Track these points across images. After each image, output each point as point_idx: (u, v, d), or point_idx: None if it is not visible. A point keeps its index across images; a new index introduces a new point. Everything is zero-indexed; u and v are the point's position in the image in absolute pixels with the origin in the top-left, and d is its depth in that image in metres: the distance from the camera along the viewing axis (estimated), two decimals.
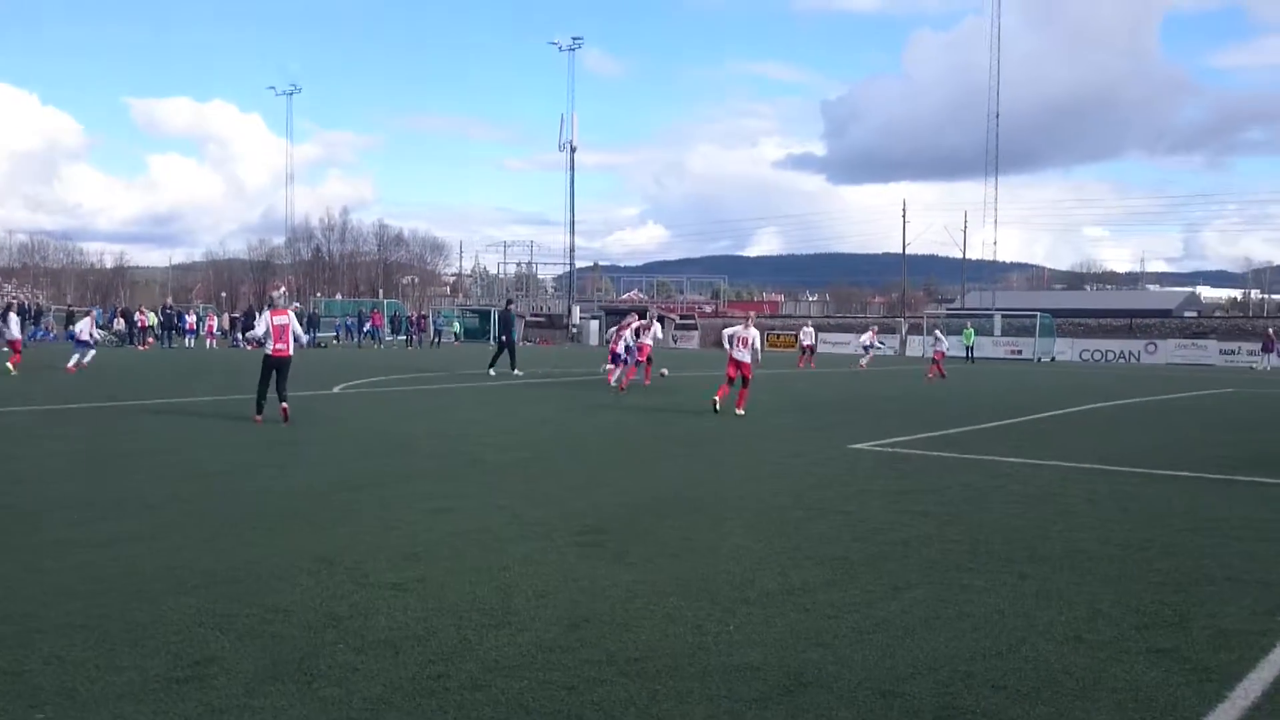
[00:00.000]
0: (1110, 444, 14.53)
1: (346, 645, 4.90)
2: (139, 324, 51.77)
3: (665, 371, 28.62)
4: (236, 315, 61.65)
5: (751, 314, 26.27)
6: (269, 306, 17.45)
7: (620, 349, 24.84)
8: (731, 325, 19.61)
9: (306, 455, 11.72)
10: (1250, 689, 4.53)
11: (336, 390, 21.77)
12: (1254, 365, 50.79)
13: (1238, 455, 13.23)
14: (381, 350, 50.61)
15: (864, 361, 40.21)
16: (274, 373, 15.48)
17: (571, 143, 78.18)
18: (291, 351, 15.75)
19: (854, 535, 7.69)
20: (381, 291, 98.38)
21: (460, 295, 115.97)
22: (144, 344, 49.71)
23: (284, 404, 15.32)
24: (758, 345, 18.65)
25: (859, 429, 15.68)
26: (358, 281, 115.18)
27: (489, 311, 77.27)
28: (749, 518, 8.32)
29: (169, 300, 64.56)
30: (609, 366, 25.21)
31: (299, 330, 16.58)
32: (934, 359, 34.46)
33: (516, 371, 29.03)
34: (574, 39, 79.46)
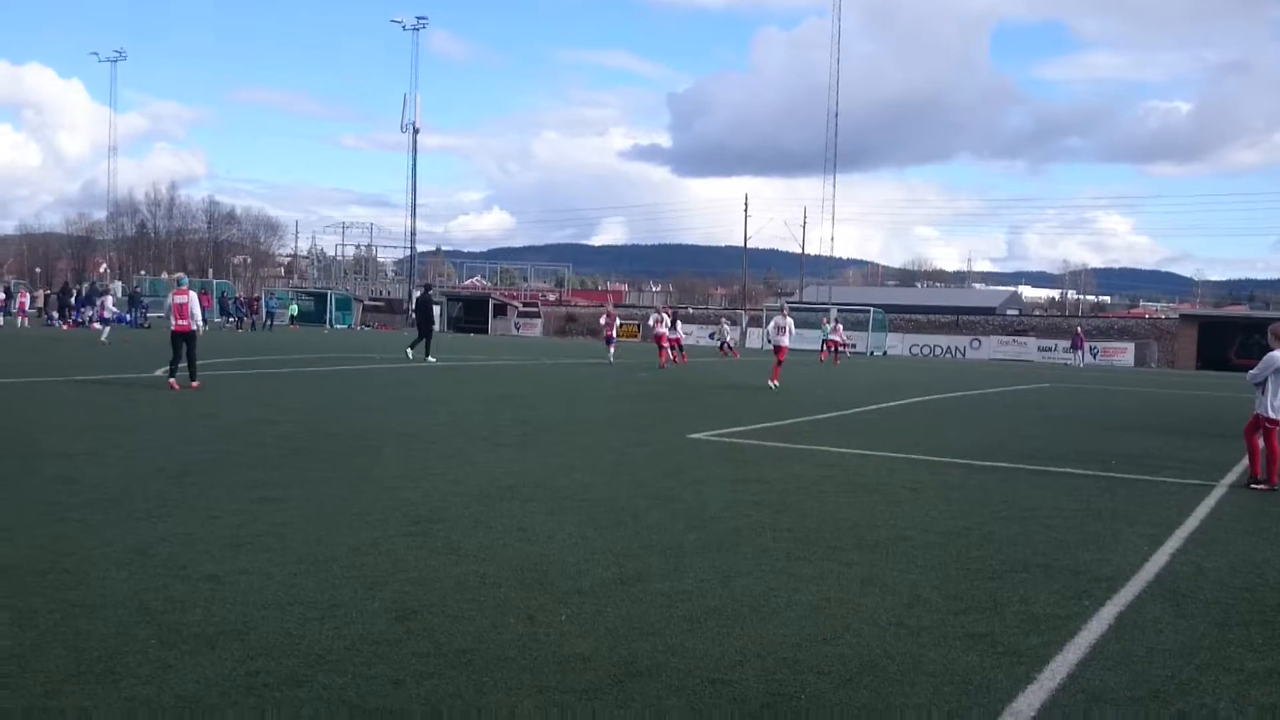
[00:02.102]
0: (935, 436, 15.09)
1: (159, 641, 4.67)
2: None
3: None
4: (51, 293, 58.51)
5: (784, 303, 29.93)
6: (174, 288, 19.72)
7: (614, 333, 33.43)
8: (775, 317, 24.97)
9: (124, 441, 11.16)
10: (1057, 670, 4.75)
11: (159, 373, 20.82)
12: (1069, 362, 53.62)
13: (1052, 447, 13.92)
14: (208, 333, 48.78)
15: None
16: (182, 346, 17.64)
17: (414, 124, 76.85)
18: (194, 326, 17.83)
19: (689, 524, 7.76)
20: (211, 271, 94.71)
21: (296, 277, 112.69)
22: None
23: (194, 379, 17.48)
24: (793, 330, 24.27)
25: (698, 419, 15.87)
26: (186, 260, 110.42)
27: (325, 294, 75.38)
28: (586, 506, 8.30)
29: None
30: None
31: (197, 309, 18.30)
32: (830, 345, 41.66)
33: (430, 359, 29.03)
34: (419, 18, 78.13)
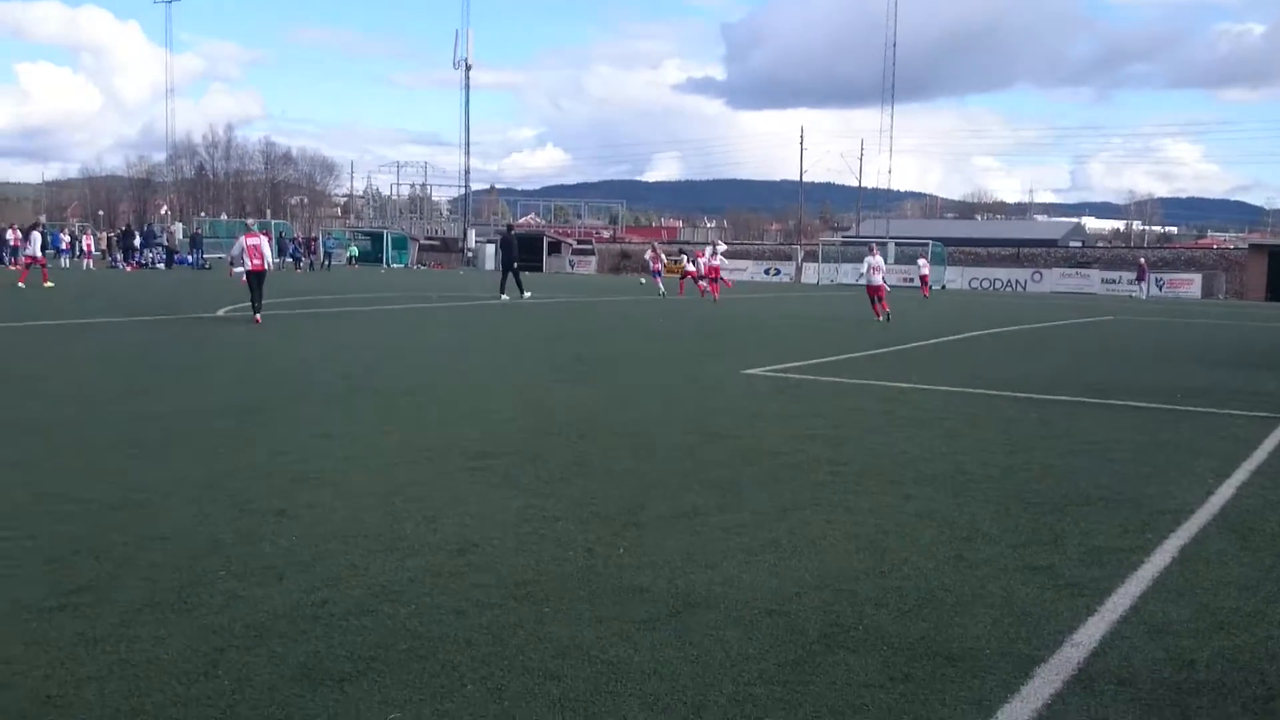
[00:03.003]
0: (994, 369, 14.93)
1: (229, 572, 4.79)
2: (12, 243, 49.50)
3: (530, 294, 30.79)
4: (114, 235, 59.46)
5: (873, 243, 30.78)
6: (243, 231, 21.68)
7: (660, 267, 37.47)
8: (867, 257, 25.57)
9: (191, 380, 11.38)
10: (1119, 603, 4.72)
11: (221, 313, 21.16)
12: (1133, 294, 52.66)
13: (1115, 380, 13.72)
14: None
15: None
16: (257, 282, 19.43)
17: (467, 61, 76.57)
18: (266, 267, 19.72)
19: (745, 459, 7.77)
20: (269, 212, 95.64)
21: (352, 217, 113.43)
22: (14, 263, 47.61)
23: (258, 314, 19.09)
24: (883, 267, 25.21)
25: (753, 354, 15.84)
26: (244, 201, 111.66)
27: (382, 234, 75.86)
28: (643, 442, 8.35)
29: (42, 219, 61.85)
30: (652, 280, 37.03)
31: (268, 250, 20.32)
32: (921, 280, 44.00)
33: (527, 294, 30.12)
34: None
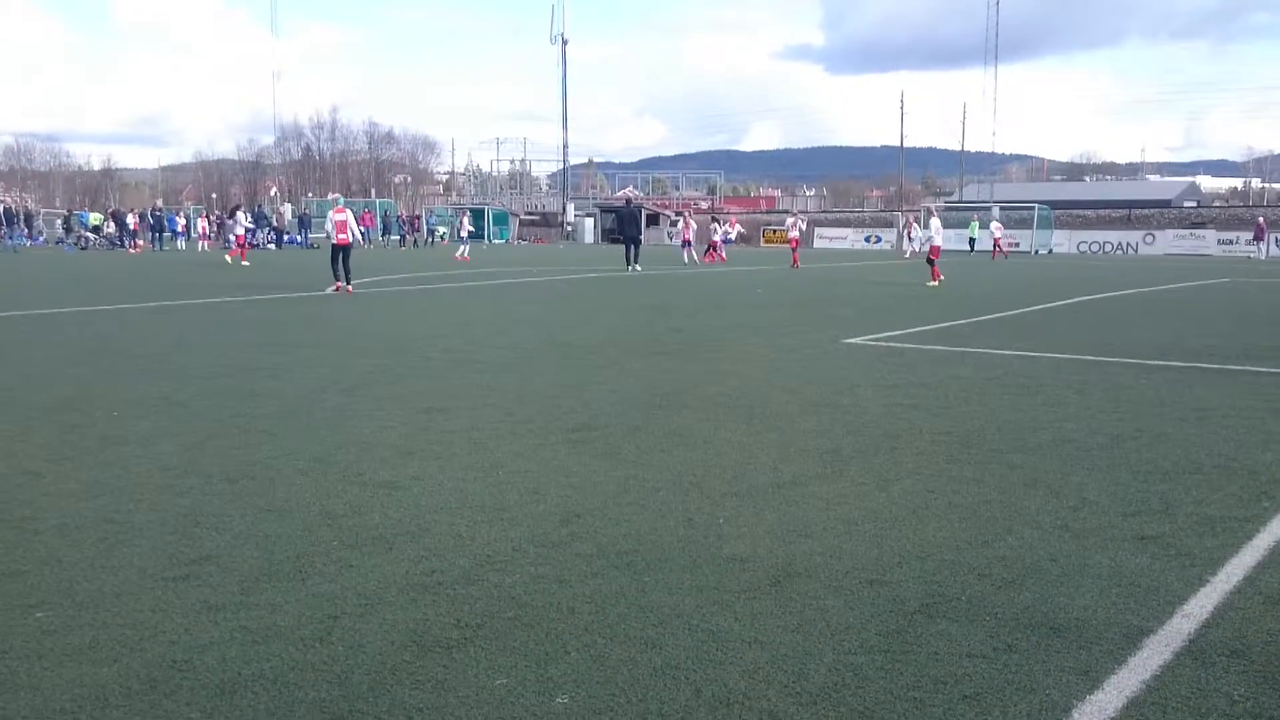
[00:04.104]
0: (1104, 335, 14.55)
1: (341, 542, 4.96)
2: (130, 226, 51.35)
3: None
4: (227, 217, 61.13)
5: (934, 205, 34.30)
6: (332, 206, 24.14)
7: (690, 237, 39.24)
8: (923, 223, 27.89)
9: (300, 356, 11.72)
10: (1232, 573, 4.60)
11: (329, 291, 21.69)
12: (1251, 255, 50.67)
13: (1231, 345, 13.26)
14: (372, 251, 50.41)
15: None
16: (340, 257, 21.35)
17: (564, 35, 76.72)
18: (350, 240, 21.64)
19: (845, 429, 7.73)
20: (374, 191, 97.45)
21: (453, 194, 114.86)
22: (135, 246, 49.39)
23: (349, 284, 21.28)
24: (939, 229, 26.30)
25: (852, 323, 15.69)
26: (349, 181, 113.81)
27: (482, 210, 76.72)
28: (741, 412, 8.35)
29: (158, 202, 63.98)
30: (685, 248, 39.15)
31: (354, 225, 22.32)
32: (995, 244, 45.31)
33: (636, 267, 31.75)
34: None
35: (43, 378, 9.95)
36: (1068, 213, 66.19)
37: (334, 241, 21.73)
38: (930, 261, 25.69)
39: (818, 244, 64.78)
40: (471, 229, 46.93)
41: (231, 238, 38.24)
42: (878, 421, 8.02)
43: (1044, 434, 7.56)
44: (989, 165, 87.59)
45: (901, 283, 26.82)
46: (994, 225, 48.42)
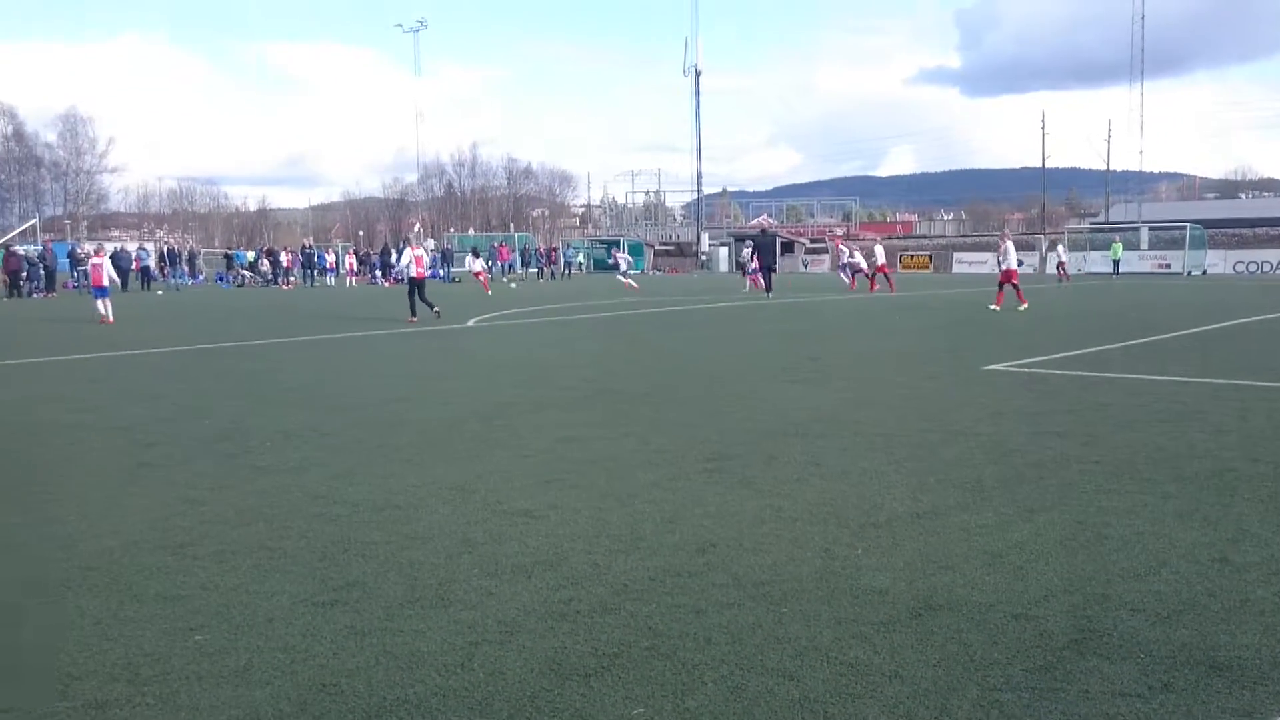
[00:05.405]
0: (1266, 359, 13.86)
1: (481, 570, 5.05)
2: (284, 264, 53.55)
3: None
4: (373, 253, 63.22)
5: (1006, 230, 36.88)
6: (405, 244, 27.48)
7: (855, 261, 39.11)
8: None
9: (442, 388, 12.02)
10: None
11: (471, 323, 22.21)
12: None
13: None
14: (506, 283, 51.39)
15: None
16: (417, 290, 23.33)
17: (696, 67, 77.26)
18: (425, 274, 24.08)
19: (987, 458, 7.54)
20: (512, 225, 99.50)
21: (590, 226, 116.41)
22: (287, 283, 51.46)
23: (435, 308, 23.16)
24: (1012, 253, 25.83)
25: (993, 350, 15.30)
26: (489, 216, 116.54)
27: (618, 241, 77.57)
28: (879, 441, 8.23)
29: (309, 240, 66.55)
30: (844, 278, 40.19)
31: (426, 260, 25.21)
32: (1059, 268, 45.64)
33: (768, 294, 32.74)
34: None
35: (202, 410, 10.44)
36: (1222, 231, 63.35)
37: (412, 275, 23.56)
38: (1001, 285, 25.28)
39: (956, 268, 63.46)
40: (629, 259, 49.35)
41: (474, 271, 42.26)
42: (1021, 450, 7.79)
43: (1200, 463, 7.24)
44: (1136, 184, 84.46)
45: (1044, 307, 26.05)
46: (1059, 249, 49.32)
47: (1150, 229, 60.38)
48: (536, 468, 7.38)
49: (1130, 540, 5.40)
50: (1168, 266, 54.98)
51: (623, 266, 47.25)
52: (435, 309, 23.12)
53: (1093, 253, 57.89)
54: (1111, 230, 61.71)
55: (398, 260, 57.63)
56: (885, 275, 36.54)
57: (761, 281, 35.40)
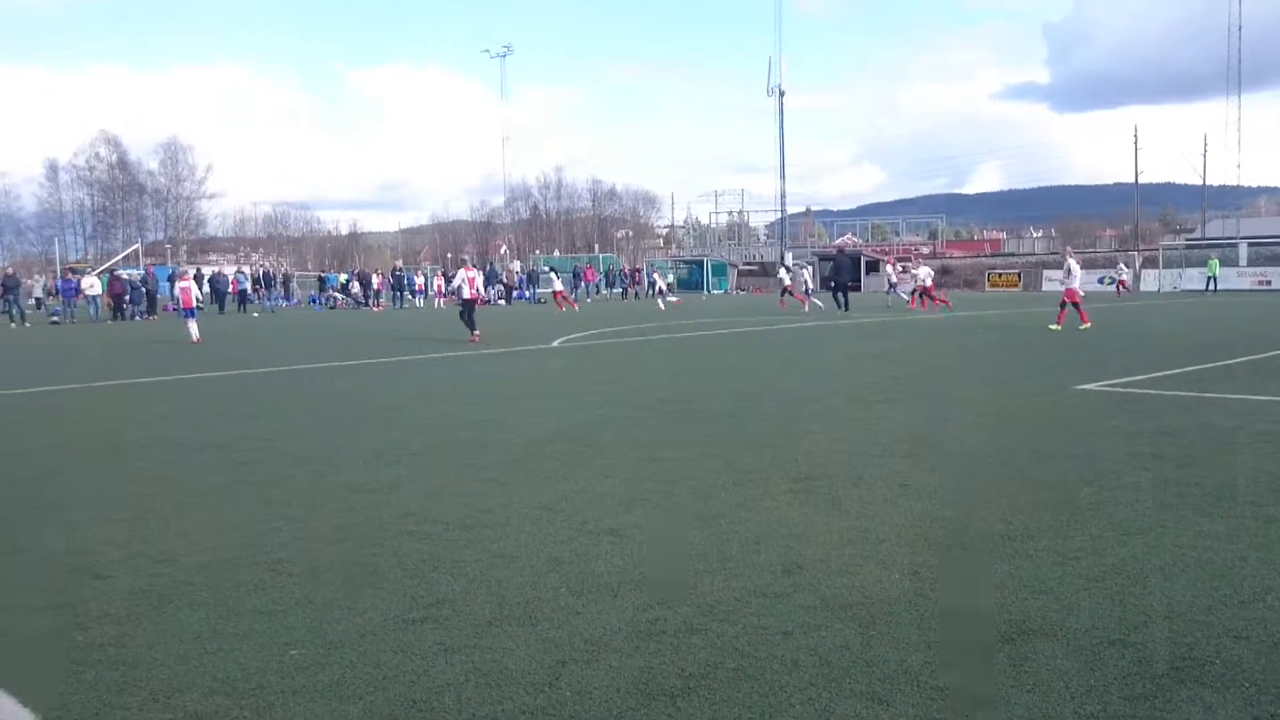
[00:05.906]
0: None
1: (568, 589, 5.08)
2: (374, 286, 54.58)
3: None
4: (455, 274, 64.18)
5: (1069, 248, 37.35)
6: (461, 266, 28.12)
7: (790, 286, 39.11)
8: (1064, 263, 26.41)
9: (526, 407, 12.13)
10: None
11: (555, 344, 22.39)
12: None
13: None
14: (592, 303, 51.67)
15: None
16: (467, 310, 24.15)
17: (780, 87, 77.08)
18: (478, 296, 24.65)
19: (1081, 478, 7.37)
20: (597, 246, 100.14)
21: (674, 247, 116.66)
22: (378, 305, 52.43)
23: (475, 332, 23.56)
24: (1076, 272, 25.08)
25: (1086, 369, 14.97)
26: (574, 237, 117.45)
27: (702, 261, 77.62)
28: (968, 461, 8.10)
29: (398, 263, 67.74)
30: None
31: (480, 283, 25.72)
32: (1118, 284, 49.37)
33: (846, 311, 33.71)
34: None
35: (296, 429, 10.67)
36: None
37: (465, 297, 24.34)
38: (1063, 305, 24.51)
39: (1046, 286, 62.24)
40: (670, 280, 51.07)
41: (555, 292, 43.81)
42: (1117, 472, 7.61)
43: None
44: (1233, 199, 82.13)
45: (1139, 325, 25.43)
46: (1120, 266, 52.94)
47: (1249, 244, 58.63)
48: (621, 487, 7.40)
49: (1233, 565, 5.24)
50: (1268, 283, 53.30)
51: (659, 285, 47.43)
52: (475, 333, 23.62)
53: (1189, 269, 56.40)
54: (1208, 246, 60.05)
55: (485, 282, 58.72)
56: (930, 295, 36.12)
57: (804, 299, 36.92)
